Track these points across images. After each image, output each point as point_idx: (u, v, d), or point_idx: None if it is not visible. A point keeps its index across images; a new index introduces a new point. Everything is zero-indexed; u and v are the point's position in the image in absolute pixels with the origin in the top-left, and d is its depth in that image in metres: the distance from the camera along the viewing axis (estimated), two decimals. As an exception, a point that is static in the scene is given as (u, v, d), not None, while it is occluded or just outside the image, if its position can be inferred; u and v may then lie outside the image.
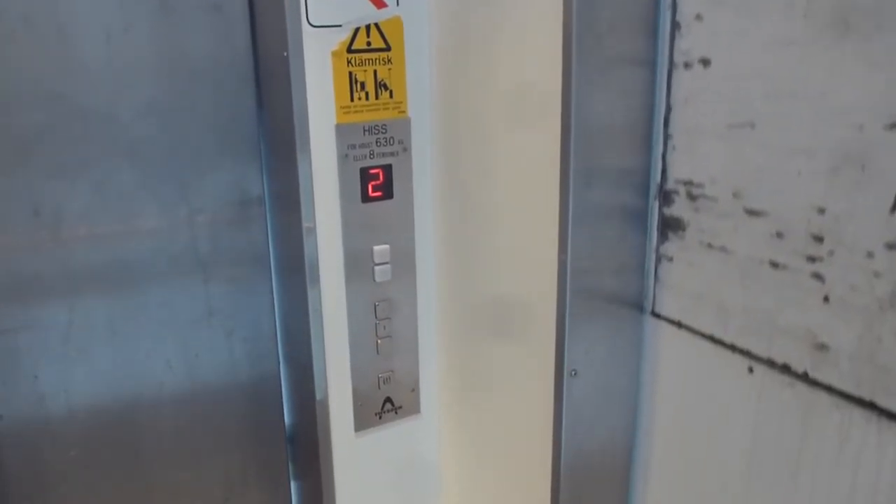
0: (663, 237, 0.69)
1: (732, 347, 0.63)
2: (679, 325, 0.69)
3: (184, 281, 0.87)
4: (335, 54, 0.83)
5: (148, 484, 0.92)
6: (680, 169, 0.66)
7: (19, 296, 0.80)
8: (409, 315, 0.96)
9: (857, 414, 0.54)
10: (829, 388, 0.56)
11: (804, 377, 0.57)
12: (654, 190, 0.69)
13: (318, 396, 0.90)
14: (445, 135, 0.90)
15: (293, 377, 0.96)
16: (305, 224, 0.84)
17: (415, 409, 1.00)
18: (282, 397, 0.98)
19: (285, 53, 0.79)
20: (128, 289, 0.85)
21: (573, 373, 0.72)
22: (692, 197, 0.65)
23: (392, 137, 0.88)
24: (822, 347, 0.56)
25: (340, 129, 0.85)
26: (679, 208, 0.67)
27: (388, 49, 0.86)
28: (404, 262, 0.93)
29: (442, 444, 1.04)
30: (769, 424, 0.61)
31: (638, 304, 0.73)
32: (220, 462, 0.96)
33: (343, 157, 0.86)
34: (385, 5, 0.84)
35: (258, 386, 0.95)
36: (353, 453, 0.97)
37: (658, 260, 0.70)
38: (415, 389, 0.99)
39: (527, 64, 0.74)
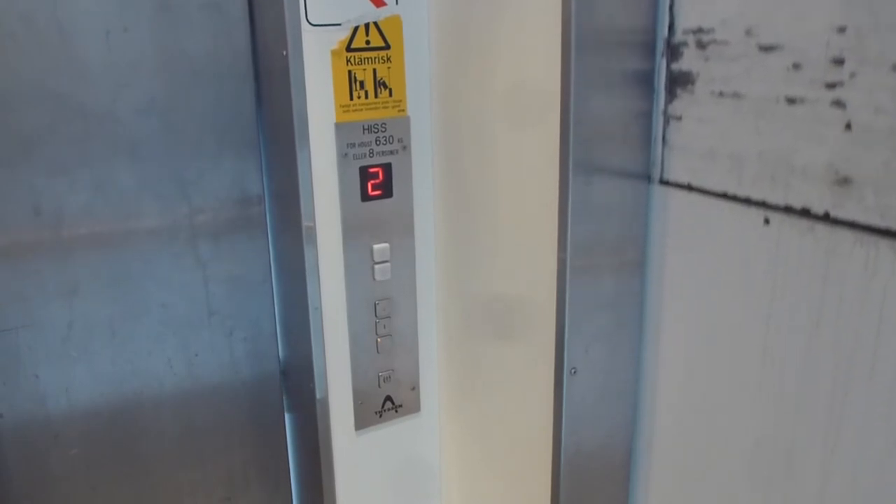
0: (671, 96, 0.67)
1: (747, 201, 0.61)
2: (689, 188, 0.67)
3: (184, 280, 0.87)
4: (334, 53, 0.83)
5: (148, 483, 0.92)
6: (688, 17, 0.64)
7: (20, 295, 0.80)
8: (409, 313, 0.96)
9: (884, 245, 0.52)
10: (852, 225, 0.54)
11: (825, 218, 0.56)
12: (660, 47, 0.67)
13: (319, 395, 0.90)
14: (445, 133, 0.90)
15: (293, 376, 0.96)
16: (305, 223, 0.84)
17: (415, 407, 1.00)
18: (282, 396, 0.98)
19: (285, 52, 0.79)
20: (128, 288, 0.85)
21: (573, 371, 0.72)
22: (701, 45, 0.63)
23: (391, 136, 0.88)
24: (844, 181, 0.54)
25: (340, 128, 0.85)
26: (688, 60, 0.65)
27: (387, 48, 0.86)
28: (404, 260, 0.93)
29: (442, 442, 1.04)
30: (788, 276, 0.59)
31: (645, 175, 0.71)
32: (221, 461, 0.96)
33: (343, 156, 0.86)
34: (384, 4, 0.84)
35: (258, 385, 0.95)
36: (353, 452, 0.97)
37: (666, 122, 0.68)
38: (415, 388, 1.00)
39: (526, 61, 0.74)
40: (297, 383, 0.96)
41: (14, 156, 0.76)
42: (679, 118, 0.67)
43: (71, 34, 0.76)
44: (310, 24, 0.80)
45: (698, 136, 0.65)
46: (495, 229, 0.84)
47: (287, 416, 0.99)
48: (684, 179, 0.67)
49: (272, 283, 0.93)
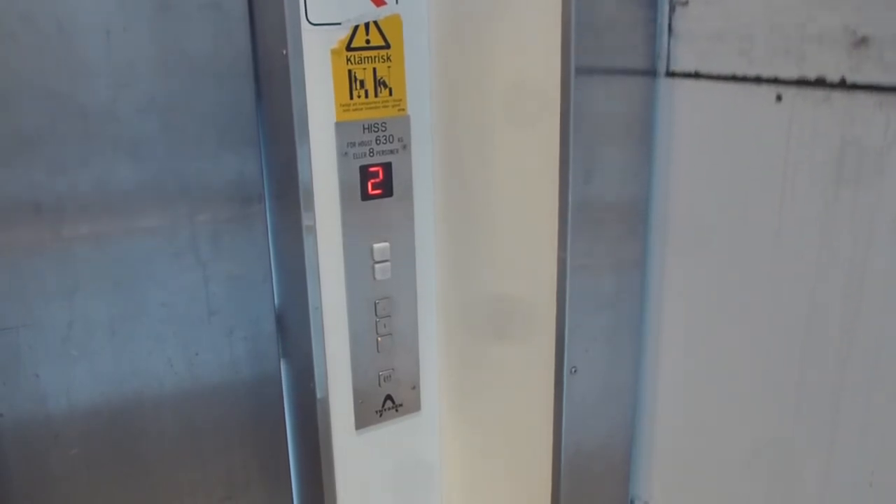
0: None
1: (758, 79, 0.60)
2: (696, 76, 0.65)
3: (184, 280, 0.87)
4: (334, 52, 0.83)
5: (149, 482, 0.92)
6: None
7: (20, 294, 0.80)
8: (409, 313, 0.96)
9: None
10: (870, 88, 0.53)
11: (841, 85, 0.54)
12: None
13: (319, 395, 0.90)
14: (445, 132, 0.90)
15: (294, 375, 0.96)
16: (305, 222, 0.84)
17: (415, 406, 1.00)
18: (282, 396, 0.98)
19: (285, 51, 0.79)
20: (128, 287, 0.85)
21: (573, 370, 0.72)
22: None
23: (392, 135, 0.88)
24: (862, 42, 0.52)
25: (340, 127, 0.85)
26: None
27: (387, 47, 0.86)
28: (404, 259, 0.93)
29: (442, 441, 1.04)
30: (803, 151, 0.58)
31: (651, 69, 0.69)
32: (222, 460, 0.96)
33: (343, 155, 0.86)
34: (384, 3, 0.84)
35: (259, 384, 0.95)
36: (353, 451, 0.97)
37: (672, 9, 0.66)
38: (415, 387, 0.99)
39: (526, 60, 0.74)
40: (297, 383, 0.96)
41: (14, 155, 0.76)
42: (685, 3, 0.65)
43: (71, 34, 0.76)
44: (310, 23, 0.80)
45: (706, 19, 0.63)
46: (495, 228, 0.84)
47: (287, 416, 0.99)
48: (691, 67, 0.66)
49: (272, 282, 0.93)
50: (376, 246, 0.91)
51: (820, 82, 0.56)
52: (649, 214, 0.71)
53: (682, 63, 0.67)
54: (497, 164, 0.82)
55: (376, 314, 0.93)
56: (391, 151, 0.89)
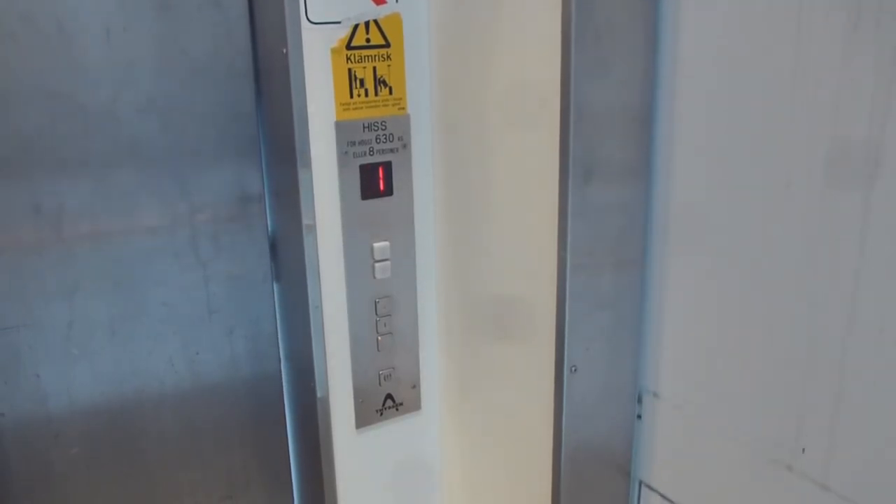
0: None
1: None
2: None
3: (184, 279, 0.87)
4: (334, 51, 0.83)
5: (149, 482, 0.92)
6: None
7: (20, 294, 0.80)
8: (409, 312, 0.96)
9: None
10: None
11: None
12: None
13: (320, 394, 0.90)
14: (445, 131, 0.90)
15: (294, 375, 0.96)
16: (305, 221, 0.84)
17: (416, 405, 1.00)
18: (283, 395, 0.98)
19: (284, 50, 0.79)
20: (128, 287, 0.85)
21: (573, 369, 0.72)
22: None
23: (392, 134, 0.88)
24: None
25: (340, 127, 0.85)
26: None
27: (387, 46, 0.86)
28: (404, 258, 0.93)
29: (443, 440, 1.04)
30: (815, 15, 0.55)
31: None
32: (222, 459, 0.96)
33: (343, 155, 0.86)
34: (384, 2, 0.84)
35: (259, 384, 0.95)
36: (354, 450, 0.97)
37: None
38: (416, 386, 0.99)
39: (526, 59, 0.74)
40: (297, 382, 0.96)
41: (14, 155, 0.76)
42: None
43: (71, 33, 0.76)
44: (310, 21, 0.80)
45: None
46: (495, 226, 0.84)
47: (288, 415, 0.99)
48: None
49: (272, 281, 0.93)
50: (376, 245, 0.91)
51: None
52: (651, 207, 0.71)
53: None
54: (497, 162, 0.82)
55: (376, 313, 0.93)
56: (391, 150, 0.89)
